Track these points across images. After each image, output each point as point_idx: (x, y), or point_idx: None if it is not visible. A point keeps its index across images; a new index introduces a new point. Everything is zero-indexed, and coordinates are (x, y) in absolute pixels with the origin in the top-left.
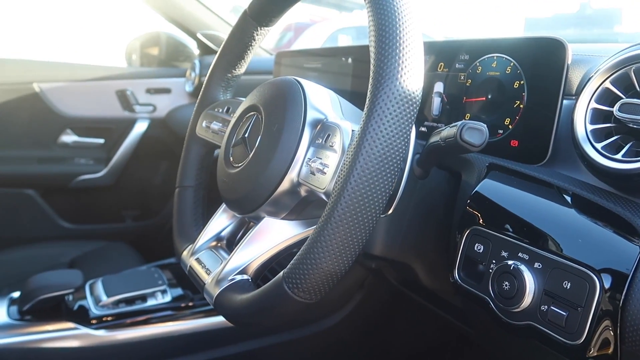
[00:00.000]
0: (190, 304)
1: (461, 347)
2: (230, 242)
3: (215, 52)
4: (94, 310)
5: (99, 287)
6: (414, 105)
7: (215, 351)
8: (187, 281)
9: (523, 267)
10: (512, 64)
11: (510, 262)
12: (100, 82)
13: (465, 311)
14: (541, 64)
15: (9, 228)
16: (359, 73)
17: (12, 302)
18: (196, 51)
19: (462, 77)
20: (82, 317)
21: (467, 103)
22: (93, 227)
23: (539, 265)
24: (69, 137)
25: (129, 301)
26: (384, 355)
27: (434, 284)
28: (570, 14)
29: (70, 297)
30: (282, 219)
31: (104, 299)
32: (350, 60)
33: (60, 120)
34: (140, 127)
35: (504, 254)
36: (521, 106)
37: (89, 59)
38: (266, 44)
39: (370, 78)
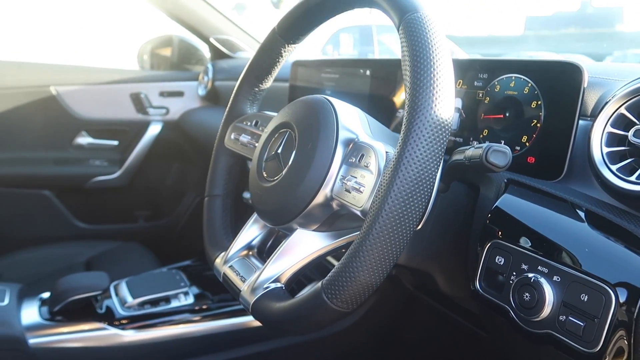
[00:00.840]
0: (208, 306)
1: (473, 351)
2: (260, 251)
3: (228, 56)
4: (120, 311)
5: (124, 289)
6: (446, 132)
7: (234, 351)
8: (207, 283)
9: (543, 280)
10: (529, 84)
11: (530, 275)
12: (114, 85)
13: (482, 317)
14: (558, 86)
15: (26, 228)
16: (377, 85)
17: (43, 302)
18: (208, 54)
19: (480, 95)
20: (109, 317)
21: (485, 119)
22: (107, 227)
23: (558, 279)
24: (84, 139)
25: (154, 302)
26: (396, 358)
27: (452, 291)
28: (571, 12)
29: (98, 298)
30: (314, 230)
31: (130, 300)
32: (368, 72)
33: (76, 123)
34: (153, 130)
35: (524, 266)
36: (538, 125)
37: (104, 62)
38: None
39: (406, 105)
